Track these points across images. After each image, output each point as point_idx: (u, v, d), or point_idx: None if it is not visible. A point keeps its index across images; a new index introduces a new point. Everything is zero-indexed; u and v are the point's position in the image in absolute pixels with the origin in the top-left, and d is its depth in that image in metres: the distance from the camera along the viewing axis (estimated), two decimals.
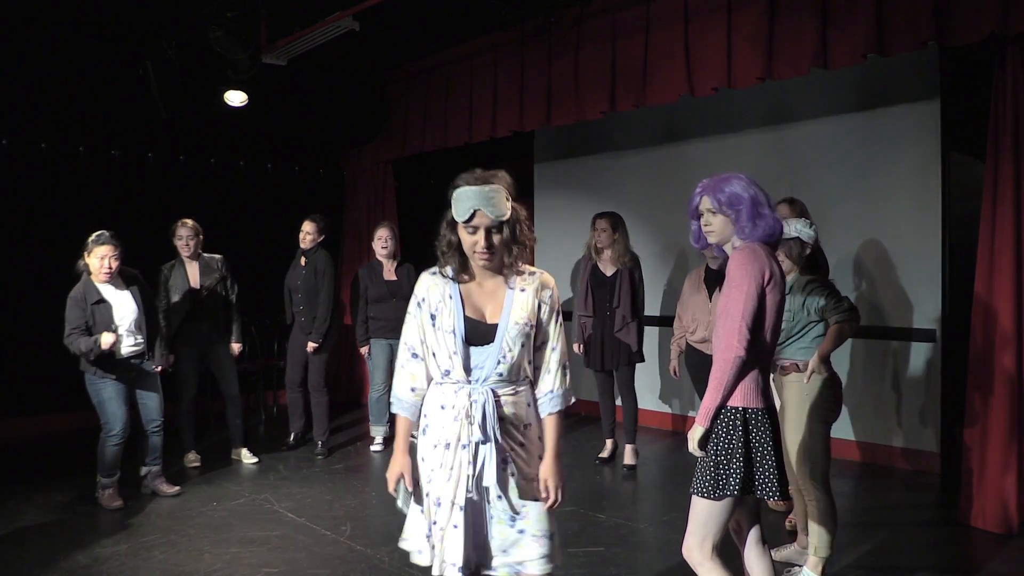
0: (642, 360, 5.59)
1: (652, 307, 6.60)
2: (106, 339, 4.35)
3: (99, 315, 4.47)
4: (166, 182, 7.14)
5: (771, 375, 3.78)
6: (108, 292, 4.54)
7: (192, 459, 5.53)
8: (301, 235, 5.88)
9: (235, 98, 6.54)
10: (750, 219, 2.49)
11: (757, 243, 2.50)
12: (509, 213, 2.24)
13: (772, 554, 3.71)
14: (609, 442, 5.74)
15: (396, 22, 6.06)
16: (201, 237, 5.47)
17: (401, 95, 7.54)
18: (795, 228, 3.58)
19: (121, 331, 4.53)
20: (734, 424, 2.46)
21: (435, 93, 7.08)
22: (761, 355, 2.51)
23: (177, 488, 4.91)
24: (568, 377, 2.36)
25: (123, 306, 4.57)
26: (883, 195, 5.52)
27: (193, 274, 5.43)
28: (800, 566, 3.59)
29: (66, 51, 6.34)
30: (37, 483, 5.08)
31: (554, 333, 2.34)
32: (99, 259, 4.45)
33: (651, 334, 6.55)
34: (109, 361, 4.50)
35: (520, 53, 6.18)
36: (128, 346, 4.58)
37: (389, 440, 6.04)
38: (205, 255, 5.52)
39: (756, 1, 4.69)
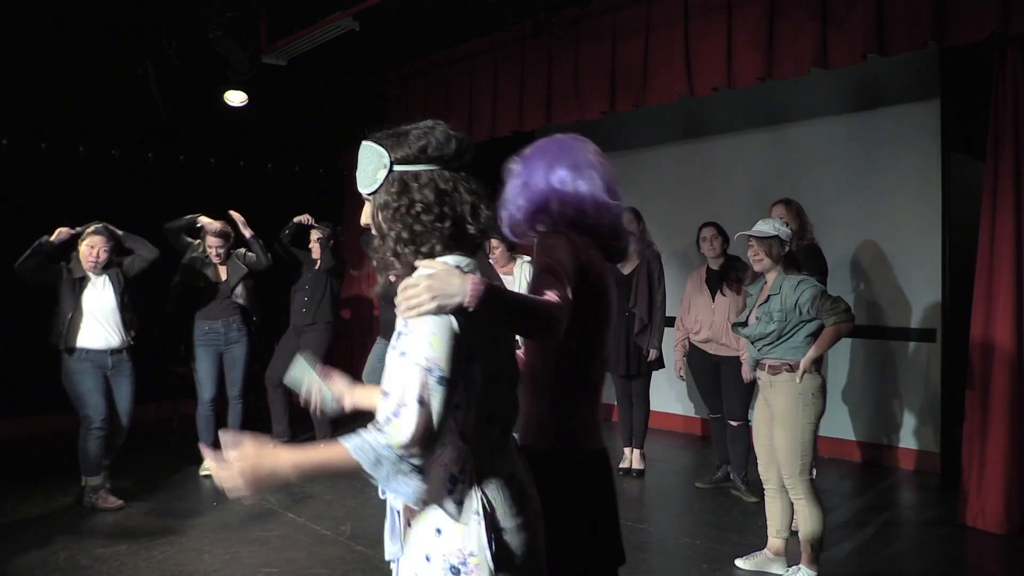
0: (662, 367, 5.32)
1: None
2: (57, 233, 4.44)
3: (75, 288, 4.55)
4: (166, 182, 7.13)
5: (756, 374, 3.72)
6: (92, 278, 4.63)
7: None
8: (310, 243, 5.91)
9: (235, 98, 6.53)
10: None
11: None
12: (378, 184, 1.54)
13: (740, 563, 3.68)
14: (628, 450, 5.42)
15: (396, 22, 6.05)
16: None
17: (401, 95, 7.53)
18: (773, 227, 3.54)
19: (100, 320, 4.59)
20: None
21: (435, 93, 7.08)
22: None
23: (120, 502, 4.60)
24: (392, 434, 1.43)
25: (104, 293, 4.63)
26: (883, 195, 5.52)
27: (224, 272, 5.37)
28: (778, 575, 3.56)
29: (66, 51, 6.33)
30: (36, 483, 5.08)
31: (390, 372, 1.48)
32: (89, 247, 4.54)
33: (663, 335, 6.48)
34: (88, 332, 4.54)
35: (520, 53, 6.18)
36: (107, 337, 4.61)
37: None
38: (234, 253, 5.42)
39: (756, 1, 4.69)
